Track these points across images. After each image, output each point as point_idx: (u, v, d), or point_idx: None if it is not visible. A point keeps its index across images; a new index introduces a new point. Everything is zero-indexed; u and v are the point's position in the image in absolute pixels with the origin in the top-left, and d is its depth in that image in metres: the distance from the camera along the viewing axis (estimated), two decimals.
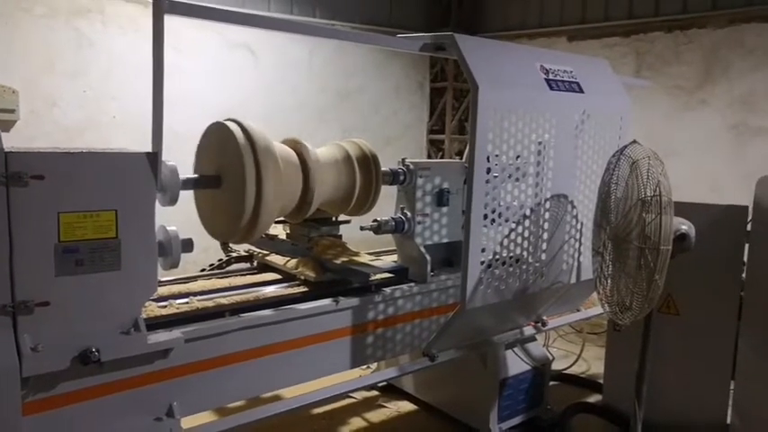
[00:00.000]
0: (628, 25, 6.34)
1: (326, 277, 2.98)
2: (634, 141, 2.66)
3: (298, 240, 3.23)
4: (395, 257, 3.39)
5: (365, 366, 3.91)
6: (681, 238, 2.64)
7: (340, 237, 3.31)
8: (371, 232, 3.17)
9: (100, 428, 2.19)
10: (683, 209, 2.66)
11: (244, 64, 6.12)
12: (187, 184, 2.52)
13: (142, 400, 2.28)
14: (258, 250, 3.43)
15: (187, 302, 2.64)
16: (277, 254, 3.32)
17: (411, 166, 3.19)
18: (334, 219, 3.27)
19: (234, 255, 3.64)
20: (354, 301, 2.91)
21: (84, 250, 2.05)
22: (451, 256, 3.47)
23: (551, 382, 3.89)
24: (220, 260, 3.72)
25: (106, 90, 5.28)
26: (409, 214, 3.20)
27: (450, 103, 7.83)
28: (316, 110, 6.70)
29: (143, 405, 2.29)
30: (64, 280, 2.03)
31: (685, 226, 2.69)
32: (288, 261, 3.17)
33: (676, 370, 3.37)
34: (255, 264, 3.46)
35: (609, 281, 2.71)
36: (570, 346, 5.03)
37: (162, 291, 2.68)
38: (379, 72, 7.33)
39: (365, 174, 3.04)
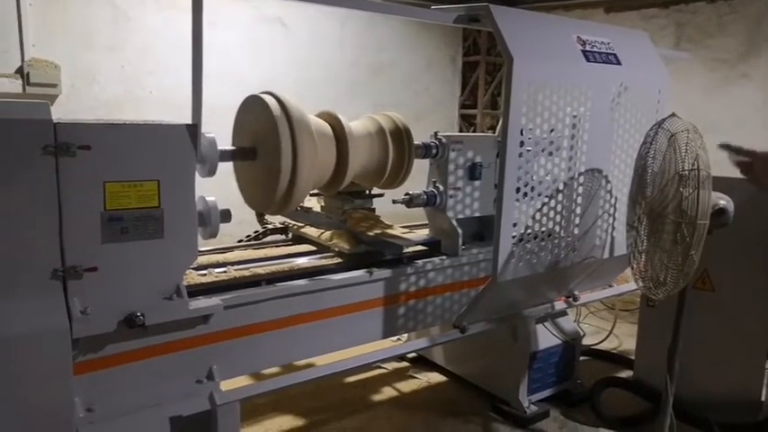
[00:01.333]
0: None
1: (360, 249, 3.03)
2: (673, 114, 2.61)
3: (332, 213, 3.28)
4: (426, 231, 3.42)
5: (396, 338, 3.99)
6: (719, 212, 2.59)
7: (373, 210, 3.35)
8: (403, 206, 3.20)
9: (145, 389, 2.30)
10: (722, 184, 2.61)
11: (276, 38, 6.13)
12: (224, 155, 2.58)
13: (184, 363, 2.38)
14: (293, 222, 3.50)
15: (225, 271, 2.72)
16: (311, 226, 3.38)
17: (444, 140, 3.19)
18: (367, 192, 3.31)
19: (270, 227, 3.71)
20: (387, 272, 2.96)
21: (128, 219, 2.14)
22: (483, 230, 3.49)
23: (582, 357, 3.90)
24: (256, 232, 3.80)
25: (143, 65, 5.37)
26: (441, 188, 3.21)
27: (483, 77, 7.73)
28: (347, 84, 6.70)
29: (185, 368, 2.39)
30: (110, 247, 2.12)
31: (723, 201, 2.64)
32: (322, 233, 3.23)
33: (710, 346, 3.35)
34: (290, 236, 3.54)
35: (643, 256, 2.68)
36: (602, 323, 5.01)
37: (201, 260, 2.76)
38: (410, 46, 7.27)
39: (398, 147, 3.05)
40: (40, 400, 2.02)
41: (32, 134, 1.95)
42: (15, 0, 4.76)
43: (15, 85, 4.79)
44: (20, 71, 4.83)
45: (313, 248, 3.21)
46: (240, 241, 3.69)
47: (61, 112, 5.04)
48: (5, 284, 1.96)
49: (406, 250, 3.09)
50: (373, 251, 3.05)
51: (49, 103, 2.04)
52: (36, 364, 2.00)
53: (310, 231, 3.31)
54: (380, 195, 3.36)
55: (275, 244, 3.37)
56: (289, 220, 3.53)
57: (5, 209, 1.93)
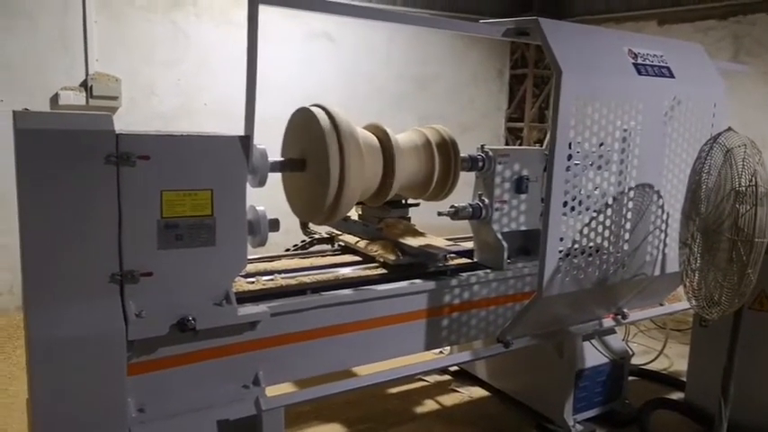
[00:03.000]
0: (725, 6, 5.96)
1: (404, 260, 3.04)
2: (729, 129, 2.54)
3: (369, 221, 3.35)
4: (471, 244, 3.41)
5: (439, 351, 3.97)
6: None
7: (409, 219, 3.40)
8: (449, 218, 3.20)
9: (194, 392, 2.37)
10: None
11: (324, 52, 6.27)
12: (275, 166, 2.65)
13: (232, 368, 2.44)
14: (338, 232, 3.56)
15: (272, 279, 2.78)
16: (349, 233, 3.46)
17: (490, 153, 3.18)
18: (403, 202, 3.35)
19: (316, 236, 3.79)
20: (431, 284, 2.96)
21: (183, 226, 2.22)
22: (528, 243, 3.45)
23: (630, 377, 3.79)
24: (303, 241, 3.88)
25: (198, 79, 5.58)
26: (487, 201, 3.20)
27: (531, 90, 7.68)
28: (393, 97, 6.77)
29: (232, 372, 2.45)
30: (165, 253, 2.21)
31: None
32: (362, 242, 3.30)
33: (767, 370, 3.20)
34: (336, 245, 3.59)
35: (696, 274, 2.61)
36: (652, 342, 4.86)
37: (249, 268, 2.83)
38: (457, 60, 7.30)
39: (444, 159, 3.07)
40: (95, 399, 2.11)
41: (96, 144, 2.05)
42: (82, 17, 5.03)
43: (80, 98, 5.06)
44: (84, 84, 5.10)
45: (358, 258, 3.24)
46: (287, 250, 3.77)
47: (121, 123, 5.23)
48: (67, 287, 2.07)
49: (444, 262, 3.09)
50: (417, 263, 3.06)
51: (111, 114, 2.15)
52: (93, 365, 2.10)
53: (352, 240, 3.37)
54: (416, 205, 3.38)
55: (321, 253, 3.43)
56: (333, 230, 3.59)
57: (69, 215, 2.04)
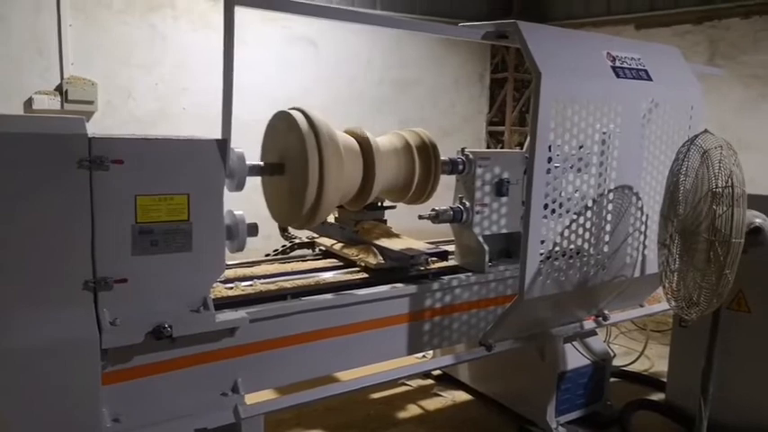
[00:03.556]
0: (701, 11, 6.05)
1: (386, 264, 3.02)
2: (705, 131, 2.56)
3: (345, 224, 3.34)
4: (452, 247, 3.40)
5: (421, 355, 3.95)
6: (754, 231, 2.53)
7: (385, 221, 3.39)
8: (429, 221, 3.19)
9: (171, 400, 2.31)
10: (759, 202, 2.55)
11: (305, 56, 6.24)
12: (253, 170, 2.61)
13: (210, 376, 2.39)
14: (314, 235, 3.54)
15: (251, 285, 2.74)
16: (326, 236, 3.46)
17: (470, 156, 3.18)
18: (379, 204, 3.35)
19: (297, 241, 3.76)
20: (412, 288, 2.94)
21: (158, 232, 2.18)
22: (510, 246, 3.45)
23: (612, 379, 3.81)
24: (284, 246, 3.84)
25: (177, 83, 5.52)
26: (468, 204, 3.20)
27: (511, 94, 7.72)
28: (374, 101, 6.76)
29: (210, 380, 2.40)
30: (140, 259, 2.16)
31: (759, 219, 2.57)
32: (339, 244, 3.31)
33: (745, 370, 3.23)
34: (317, 250, 3.56)
35: (675, 275, 2.62)
36: (632, 344, 4.89)
37: (228, 273, 2.79)
38: (437, 64, 7.31)
39: (424, 162, 3.06)
40: (68, 409, 2.06)
41: (68, 148, 2.00)
42: (57, 20, 4.94)
43: (54, 102, 4.97)
44: (59, 89, 5.01)
45: (339, 263, 3.22)
46: (267, 255, 3.73)
47: (97, 127, 5.21)
48: (38, 294, 2.01)
49: (431, 266, 3.07)
50: (398, 266, 3.04)
51: (84, 118, 2.11)
52: (66, 374, 2.04)
53: (330, 244, 3.36)
54: (392, 207, 3.38)
55: (302, 258, 3.40)
56: (314, 234, 3.56)
57: (41, 220, 1.98)
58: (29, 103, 4.92)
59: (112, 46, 5.22)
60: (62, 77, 5.01)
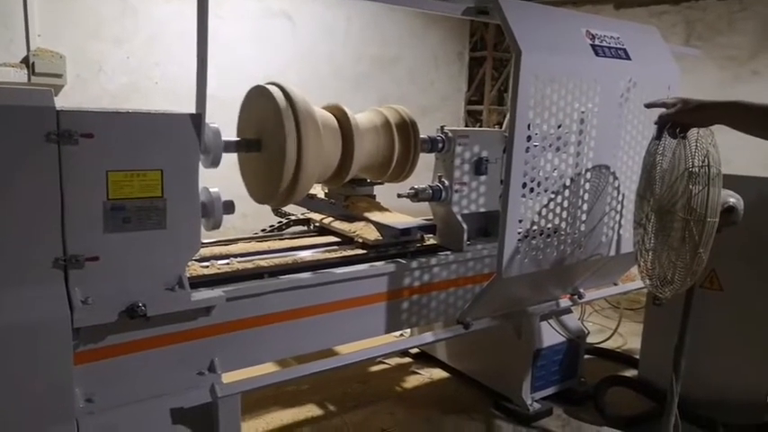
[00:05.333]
0: None
1: (385, 240, 3.04)
2: None
3: (335, 199, 3.32)
4: None
5: (399, 333, 3.97)
6: (728, 210, 2.56)
7: (374, 197, 3.38)
8: (408, 200, 3.18)
9: (146, 380, 2.28)
10: (733, 181, 2.57)
11: (282, 31, 6.11)
12: (229, 146, 2.56)
13: (185, 355, 2.36)
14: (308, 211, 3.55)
15: (228, 263, 2.70)
16: (315, 212, 3.45)
17: (450, 134, 3.16)
18: (368, 180, 3.33)
19: (293, 218, 3.73)
20: (390, 267, 2.93)
21: (131, 208, 2.12)
22: (488, 225, 3.46)
23: (586, 356, 3.87)
24: (280, 222, 3.80)
25: (149, 56, 5.35)
26: (447, 182, 3.19)
27: (490, 72, 7.69)
28: (352, 78, 6.67)
29: (186, 359, 2.37)
30: (112, 237, 2.11)
31: (733, 198, 2.60)
32: (329, 219, 3.32)
33: (717, 346, 3.31)
34: (312, 226, 3.55)
35: (650, 254, 2.65)
36: (606, 321, 4.98)
37: (204, 252, 2.75)
38: (416, 41, 7.23)
39: (404, 140, 3.03)
40: (39, 390, 2.01)
41: (35, 121, 1.93)
42: None
43: (20, 75, 4.78)
44: (25, 61, 4.82)
45: (319, 241, 3.19)
46: (264, 230, 3.69)
47: (67, 102, 5.04)
48: (6, 273, 1.95)
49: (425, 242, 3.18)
50: (394, 242, 3.07)
51: (52, 90, 2.02)
52: (36, 354, 1.98)
53: (325, 220, 3.35)
54: (380, 183, 3.37)
55: (296, 235, 3.38)
56: (306, 210, 3.56)
57: (7, 197, 1.92)
58: None
59: (81, 18, 5.04)
60: (28, 49, 4.82)
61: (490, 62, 7.67)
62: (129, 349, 2.23)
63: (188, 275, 2.37)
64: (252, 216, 4.23)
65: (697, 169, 2.40)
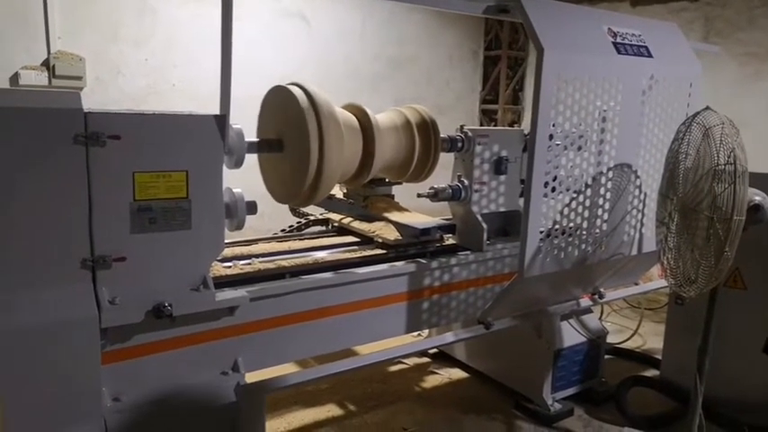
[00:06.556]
0: None
1: (405, 240, 3.04)
2: (707, 108, 2.55)
3: (353, 199, 3.32)
4: None
5: (417, 333, 3.97)
6: (754, 209, 2.53)
7: (392, 197, 3.37)
8: (425, 199, 3.17)
9: (171, 380, 2.30)
10: (756, 179, 2.54)
11: (298, 32, 6.13)
12: (252, 147, 2.57)
13: (210, 355, 2.38)
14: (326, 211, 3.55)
15: (250, 264, 2.71)
16: (334, 212, 3.46)
17: (469, 134, 3.15)
18: (386, 180, 3.33)
19: (312, 218, 3.74)
20: (411, 267, 2.93)
21: (157, 209, 2.14)
22: (508, 225, 3.45)
23: (606, 356, 3.85)
24: (299, 222, 3.81)
25: (167, 58, 5.40)
26: (466, 182, 3.18)
27: (504, 71, 7.66)
28: (368, 78, 6.67)
29: (210, 359, 2.39)
30: (138, 237, 2.13)
31: (759, 197, 2.57)
32: (348, 219, 3.32)
33: (740, 345, 3.27)
34: (331, 226, 3.56)
35: (674, 253, 2.63)
36: (626, 321, 4.94)
37: (225, 252, 2.75)
38: (432, 41, 7.22)
39: (424, 140, 3.03)
40: (68, 389, 2.03)
41: (64, 123, 1.95)
42: None
43: (42, 77, 4.84)
44: (46, 63, 4.88)
45: (339, 241, 3.20)
46: (284, 231, 3.71)
47: (86, 104, 5.08)
48: (36, 273, 1.98)
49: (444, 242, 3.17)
50: (413, 242, 3.06)
51: (80, 92, 2.05)
52: (65, 353, 2.01)
53: (345, 220, 3.36)
54: (399, 183, 3.36)
55: (318, 235, 3.40)
56: (325, 211, 3.57)
57: (36, 198, 1.94)
58: (15, 78, 4.80)
59: (101, 20, 5.09)
60: (49, 52, 4.88)
61: (505, 61, 7.64)
62: (155, 349, 2.25)
63: (211, 276, 2.38)
64: (269, 216, 4.24)
65: (723, 167, 2.38)
